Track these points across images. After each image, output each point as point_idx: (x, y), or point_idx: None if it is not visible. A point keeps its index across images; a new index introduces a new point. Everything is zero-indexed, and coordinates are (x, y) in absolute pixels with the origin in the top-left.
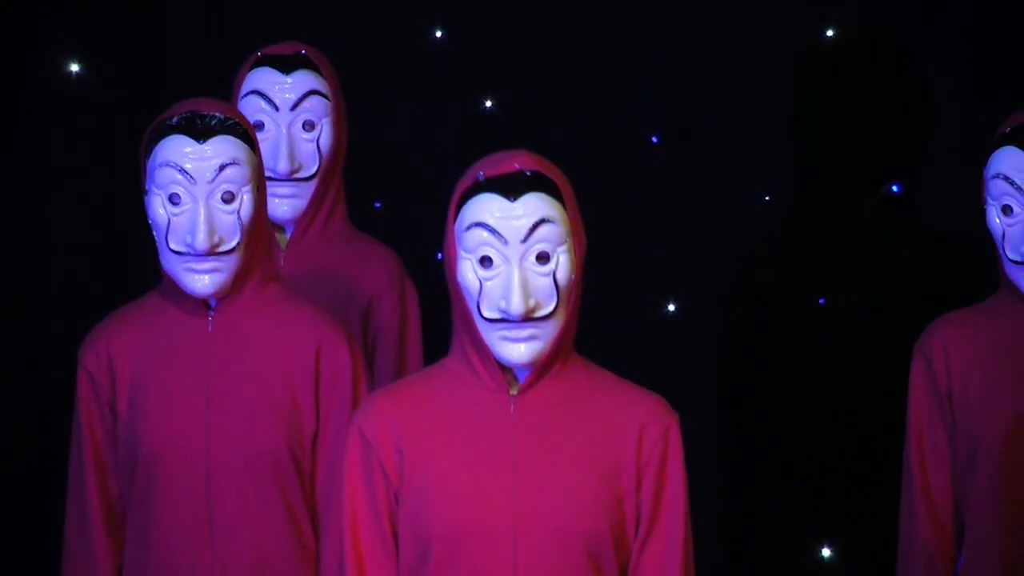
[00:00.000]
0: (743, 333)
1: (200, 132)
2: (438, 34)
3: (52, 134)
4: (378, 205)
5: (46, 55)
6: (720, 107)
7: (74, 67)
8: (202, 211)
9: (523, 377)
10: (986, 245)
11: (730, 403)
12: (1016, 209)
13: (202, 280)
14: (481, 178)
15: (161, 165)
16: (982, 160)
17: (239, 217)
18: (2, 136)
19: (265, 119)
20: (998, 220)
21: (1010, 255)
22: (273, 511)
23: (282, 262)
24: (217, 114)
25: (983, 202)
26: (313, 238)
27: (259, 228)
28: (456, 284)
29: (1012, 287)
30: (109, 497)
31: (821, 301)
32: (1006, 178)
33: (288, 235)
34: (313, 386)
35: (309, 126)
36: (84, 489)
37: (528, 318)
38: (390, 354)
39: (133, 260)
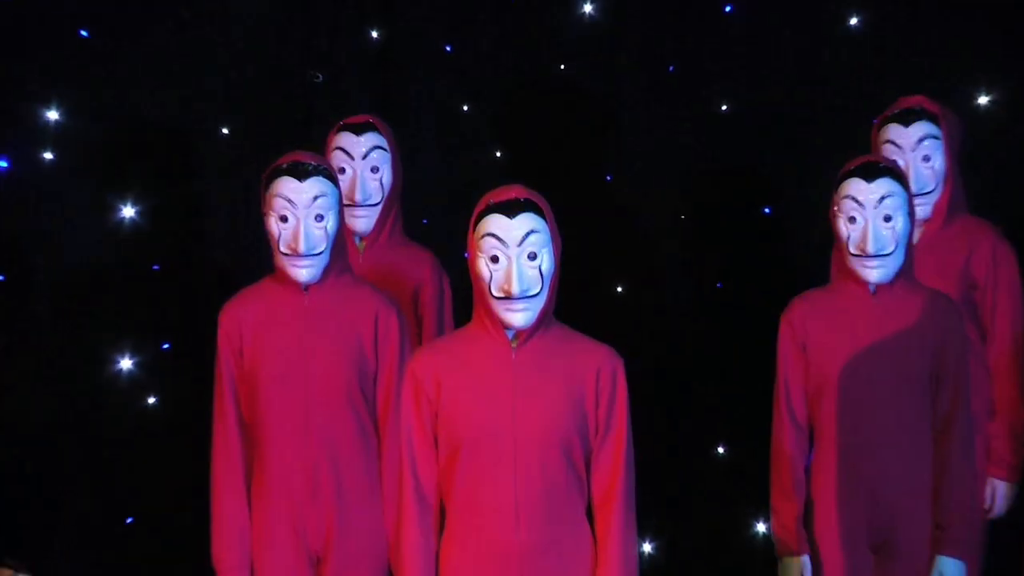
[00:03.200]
0: (664, 307)
1: (301, 174)
2: (465, 108)
3: (211, 175)
4: (425, 221)
5: (208, 127)
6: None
7: (224, 130)
8: (302, 228)
9: (520, 336)
10: (827, 246)
11: (653, 354)
12: (858, 219)
13: (301, 272)
14: (492, 204)
15: (275, 196)
16: (832, 187)
17: (326, 231)
18: (181, 177)
19: (346, 166)
20: (845, 227)
21: (852, 251)
22: (348, 421)
23: (360, 260)
24: (312, 162)
25: (833, 215)
26: (380, 245)
27: (339, 238)
28: (475, 274)
29: (848, 272)
30: (239, 410)
31: (719, 285)
32: (853, 199)
33: (363, 242)
34: (373, 340)
35: (375, 170)
36: (224, 403)
37: (523, 296)
38: (432, 321)
39: (255, 258)
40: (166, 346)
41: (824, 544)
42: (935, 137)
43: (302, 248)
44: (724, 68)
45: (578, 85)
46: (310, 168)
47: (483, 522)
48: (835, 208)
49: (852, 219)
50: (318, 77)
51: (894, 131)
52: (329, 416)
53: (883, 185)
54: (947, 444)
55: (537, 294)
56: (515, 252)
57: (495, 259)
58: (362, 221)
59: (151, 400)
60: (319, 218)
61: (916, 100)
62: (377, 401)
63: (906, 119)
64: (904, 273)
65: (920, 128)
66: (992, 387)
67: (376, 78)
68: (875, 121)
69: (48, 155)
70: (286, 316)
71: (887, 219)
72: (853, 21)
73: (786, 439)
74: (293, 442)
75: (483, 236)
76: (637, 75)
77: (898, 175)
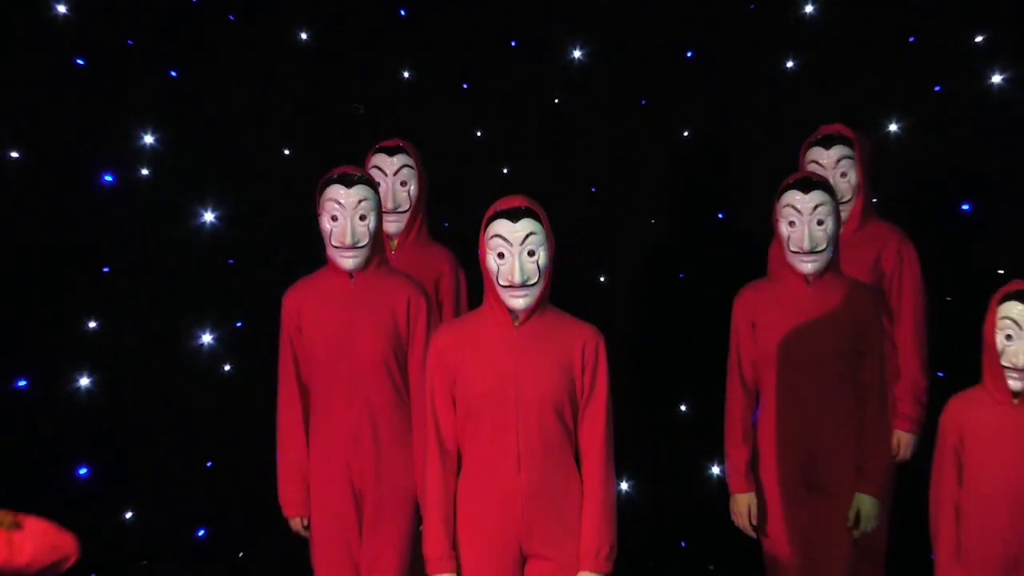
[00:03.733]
0: (638, 294)
1: (348, 182)
2: (478, 133)
3: (275, 187)
4: (446, 224)
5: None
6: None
7: (286, 151)
8: (349, 225)
9: (521, 316)
10: (766, 244)
11: (628, 331)
12: (796, 223)
13: (348, 261)
14: (498, 210)
15: (327, 200)
16: (775, 197)
17: (368, 228)
18: (251, 189)
19: (381, 180)
20: (785, 229)
21: (792, 248)
22: (385, 383)
23: (393, 256)
24: (356, 173)
25: (775, 220)
26: (408, 244)
27: (378, 235)
28: (485, 267)
29: (787, 266)
30: (298, 375)
31: (681, 276)
32: (792, 206)
33: (395, 241)
34: (405, 318)
35: (403, 184)
36: (286, 369)
37: (523, 285)
38: (450, 305)
39: (312, 250)
40: (239, 324)
41: (767, 484)
42: (850, 157)
43: (348, 241)
44: (686, 101)
45: (569, 114)
46: (355, 177)
47: (492, 467)
48: (776, 214)
49: (791, 223)
50: (360, 108)
51: (817, 153)
52: (370, 379)
53: (816, 196)
54: (867, 405)
55: (535, 283)
56: (517, 250)
57: (501, 255)
58: (394, 224)
59: (227, 367)
60: (363, 218)
61: (835, 128)
62: (408, 367)
63: (827, 143)
64: (833, 266)
65: (838, 150)
66: (897, 358)
67: (407, 108)
68: (802, 145)
69: (144, 171)
70: (335, 298)
71: (819, 223)
72: (789, 64)
73: (737, 399)
74: (341, 401)
75: (491, 237)
76: (616, 107)
77: (828, 188)
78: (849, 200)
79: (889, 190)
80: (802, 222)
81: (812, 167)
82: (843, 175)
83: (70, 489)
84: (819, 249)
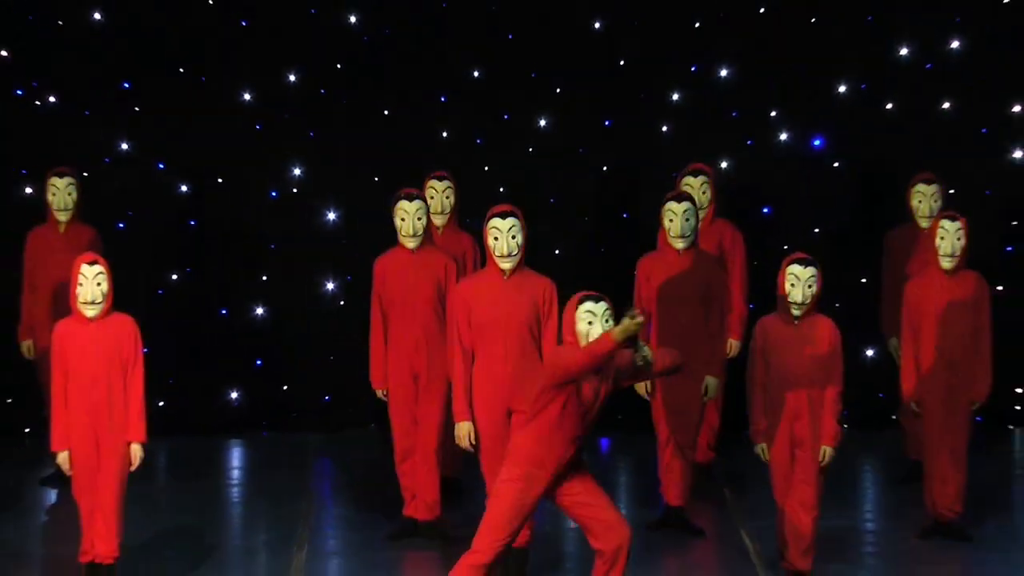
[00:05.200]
0: (575, 261)
1: (410, 198)
2: (486, 169)
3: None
4: (468, 220)
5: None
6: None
7: (376, 177)
8: (411, 223)
9: (507, 273)
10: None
11: (568, 281)
12: (674, 220)
13: (410, 243)
14: (497, 212)
15: (398, 208)
16: (661, 205)
17: (423, 225)
18: (366, 204)
19: (434, 195)
20: (668, 224)
21: (671, 234)
22: (433, 314)
23: (439, 237)
24: (415, 192)
25: (661, 218)
26: (447, 232)
27: (428, 228)
28: (486, 244)
29: (669, 244)
30: (382, 310)
31: (602, 249)
32: (671, 210)
33: (441, 230)
34: (444, 275)
35: (447, 198)
36: (375, 308)
37: (508, 256)
38: (470, 267)
39: (389, 236)
40: (348, 278)
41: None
42: (707, 182)
43: (411, 233)
44: (603, 137)
45: (530, 167)
46: (415, 195)
47: (490, 360)
48: (662, 215)
49: (671, 220)
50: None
51: (688, 179)
52: (424, 312)
53: (686, 204)
54: (711, 323)
55: (515, 255)
56: (505, 235)
57: (496, 238)
58: (440, 220)
59: (341, 302)
60: (419, 219)
61: (699, 165)
62: (447, 302)
63: (695, 173)
64: (695, 244)
65: (701, 178)
66: (731, 298)
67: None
68: (675, 175)
69: (295, 189)
70: (403, 264)
71: (687, 220)
72: (675, 96)
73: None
74: (407, 322)
75: (490, 227)
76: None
77: (693, 200)
78: (705, 207)
79: (725, 202)
80: (677, 219)
81: (685, 187)
82: (703, 192)
83: (247, 371)
84: (686, 235)
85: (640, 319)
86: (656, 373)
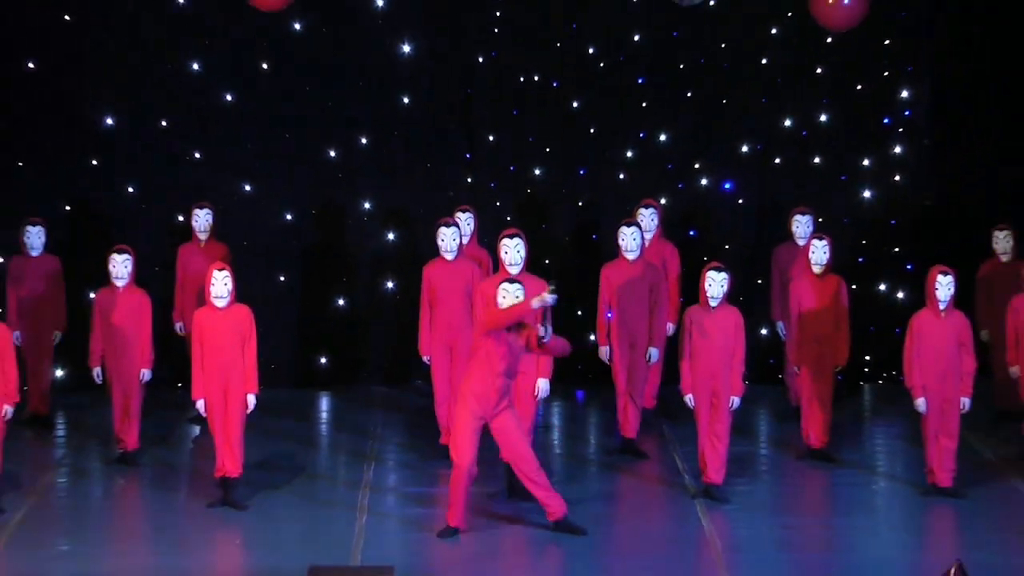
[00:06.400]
0: (557, 271)
1: (447, 224)
2: (497, 204)
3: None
4: (485, 240)
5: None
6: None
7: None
8: (449, 243)
9: (515, 277)
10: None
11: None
12: (626, 237)
13: (448, 256)
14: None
15: (439, 232)
16: (617, 228)
17: (457, 244)
18: (422, 228)
19: (460, 223)
20: (622, 242)
21: (624, 248)
22: (464, 305)
23: (465, 250)
24: (451, 221)
25: (617, 237)
26: (470, 247)
27: (460, 246)
28: (500, 257)
29: (622, 255)
30: (430, 302)
31: (577, 259)
32: (623, 233)
33: (465, 248)
34: (471, 279)
35: (469, 224)
36: (424, 300)
37: (515, 264)
38: (488, 274)
39: (433, 250)
40: (399, 281)
41: (616, 340)
42: (654, 213)
43: (448, 248)
44: (579, 182)
45: (528, 203)
46: (450, 223)
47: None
48: (618, 236)
49: (623, 239)
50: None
51: (640, 211)
52: (457, 303)
53: (632, 228)
54: (656, 312)
55: (520, 263)
56: (512, 250)
57: (506, 252)
58: (466, 239)
59: (397, 296)
60: (453, 239)
61: (648, 200)
62: (473, 298)
63: (645, 207)
64: (642, 256)
65: (650, 210)
66: (666, 293)
67: (468, 201)
68: (631, 207)
69: (367, 204)
70: (443, 270)
71: (634, 239)
72: (629, 153)
73: (604, 309)
74: (445, 313)
75: (502, 244)
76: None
77: (639, 225)
78: (652, 231)
79: (666, 226)
80: (627, 238)
81: (639, 217)
82: (652, 220)
83: (332, 343)
84: (634, 250)
85: (552, 296)
86: (548, 349)
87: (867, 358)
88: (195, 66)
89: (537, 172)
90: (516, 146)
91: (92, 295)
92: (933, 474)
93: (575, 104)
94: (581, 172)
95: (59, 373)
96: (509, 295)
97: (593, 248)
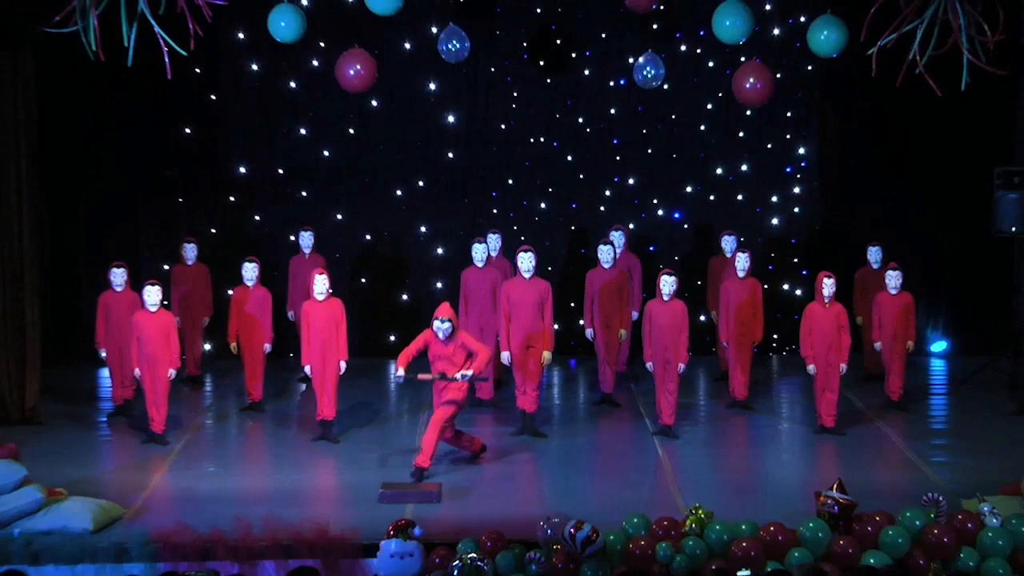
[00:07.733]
0: (557, 277)
1: (480, 242)
2: (515, 228)
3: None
4: (507, 254)
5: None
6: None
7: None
8: (482, 256)
9: (529, 279)
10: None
11: (556, 283)
12: (604, 255)
13: (479, 264)
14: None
15: (474, 248)
16: (600, 242)
17: (486, 255)
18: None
19: (490, 241)
20: (601, 256)
21: (601, 259)
22: (491, 305)
23: (492, 262)
24: (483, 239)
25: (599, 251)
26: (496, 260)
27: (489, 258)
28: (517, 264)
29: (599, 265)
30: (466, 301)
31: (583, 251)
32: (601, 249)
33: (493, 259)
34: (497, 282)
35: (496, 241)
36: (462, 300)
37: (528, 270)
38: (508, 277)
39: (469, 259)
40: (441, 284)
41: (595, 325)
42: (623, 235)
43: (479, 260)
44: (571, 213)
45: (537, 228)
46: (483, 241)
47: (518, 323)
48: (598, 251)
49: (601, 253)
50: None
51: (613, 234)
52: (487, 300)
53: (607, 246)
54: (624, 306)
55: (531, 270)
56: (526, 261)
57: (522, 262)
58: (494, 253)
59: (439, 295)
60: (484, 253)
61: (619, 226)
62: (498, 296)
63: (616, 229)
64: (615, 265)
65: (620, 232)
66: (632, 293)
67: (495, 226)
68: (607, 231)
69: (423, 228)
70: (476, 275)
71: (609, 253)
72: (607, 192)
73: (591, 305)
74: (477, 307)
75: (519, 257)
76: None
77: (612, 243)
78: (621, 247)
79: (632, 244)
80: (605, 253)
81: (612, 237)
82: (622, 239)
83: (398, 326)
84: (609, 261)
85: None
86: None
87: (775, 336)
88: (302, 131)
89: (543, 205)
90: (527, 187)
91: (230, 292)
92: (821, 418)
93: (569, 158)
94: (574, 206)
95: (207, 347)
96: (440, 327)
97: (582, 259)
